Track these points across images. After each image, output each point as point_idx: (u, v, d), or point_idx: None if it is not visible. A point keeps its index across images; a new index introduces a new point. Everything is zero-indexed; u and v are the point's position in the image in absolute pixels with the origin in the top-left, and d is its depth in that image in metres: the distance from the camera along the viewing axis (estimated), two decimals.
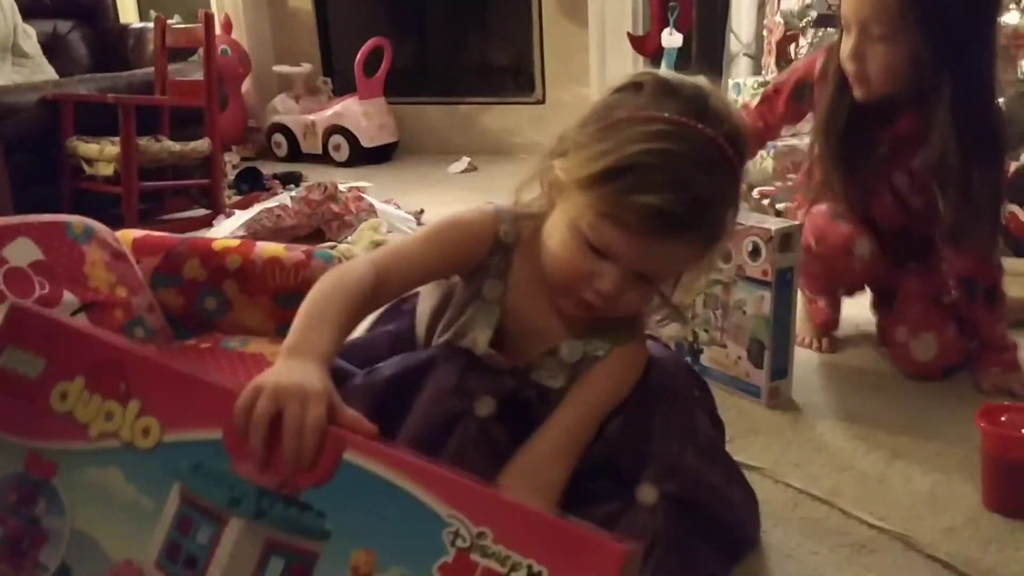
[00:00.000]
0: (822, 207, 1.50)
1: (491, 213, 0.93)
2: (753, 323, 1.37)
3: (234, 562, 0.60)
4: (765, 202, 2.56)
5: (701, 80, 0.85)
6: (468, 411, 0.87)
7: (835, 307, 1.64)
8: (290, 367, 0.67)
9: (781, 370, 1.40)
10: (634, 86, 0.84)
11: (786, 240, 1.33)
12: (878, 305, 1.58)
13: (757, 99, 1.59)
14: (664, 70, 0.87)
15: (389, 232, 2.33)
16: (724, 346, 1.43)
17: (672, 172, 0.78)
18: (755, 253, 1.34)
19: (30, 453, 0.65)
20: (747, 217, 1.36)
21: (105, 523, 0.63)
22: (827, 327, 1.63)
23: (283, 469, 0.60)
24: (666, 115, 0.80)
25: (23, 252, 1.20)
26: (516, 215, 0.93)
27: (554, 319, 0.93)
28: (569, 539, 0.54)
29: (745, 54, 3.09)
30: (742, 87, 2.84)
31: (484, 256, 0.92)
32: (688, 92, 0.82)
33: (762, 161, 2.65)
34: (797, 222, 1.42)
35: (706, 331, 1.46)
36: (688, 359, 1.45)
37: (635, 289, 0.86)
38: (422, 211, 2.66)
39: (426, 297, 1.00)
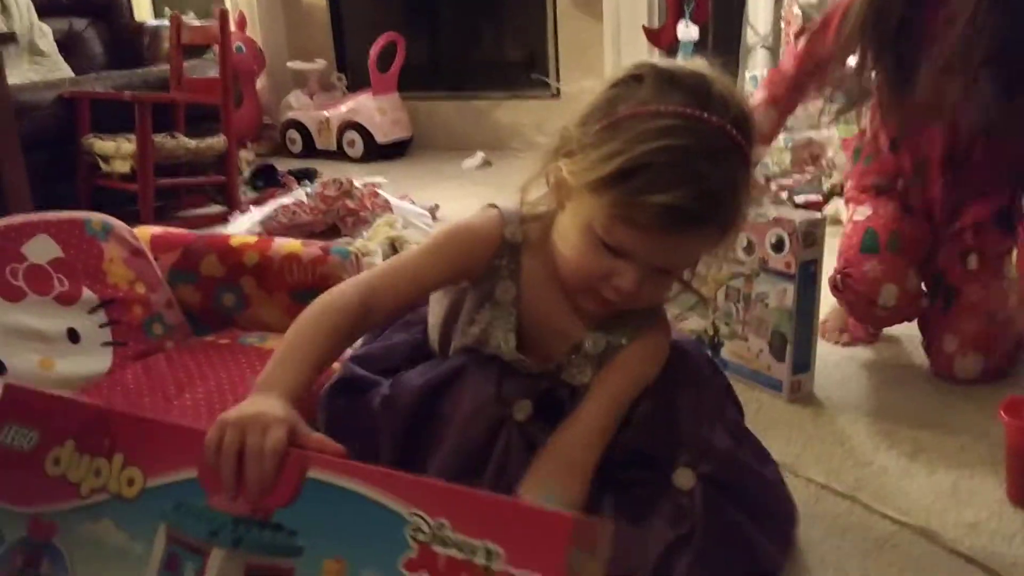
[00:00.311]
0: (864, 210, 1.47)
1: (495, 216, 0.92)
2: (775, 316, 1.35)
3: None
4: (783, 195, 2.54)
5: (701, 65, 0.83)
6: (508, 417, 0.88)
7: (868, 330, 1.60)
8: (254, 401, 0.70)
9: (803, 364, 1.37)
10: (633, 79, 0.82)
11: (810, 233, 1.30)
12: (930, 294, 1.47)
13: (803, 40, 1.54)
14: (662, 59, 0.85)
15: (405, 228, 2.33)
16: (745, 339, 1.41)
17: (682, 168, 0.77)
18: (779, 246, 1.32)
19: (32, 519, 0.70)
20: (770, 209, 1.35)
21: (103, 572, 0.67)
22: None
23: (250, 494, 0.64)
24: (670, 108, 0.78)
25: (43, 249, 1.21)
26: (522, 216, 0.92)
27: (572, 315, 0.93)
28: (519, 516, 0.57)
29: (762, 46, 3.06)
30: (759, 79, 2.83)
31: (490, 259, 0.92)
32: (690, 80, 0.81)
33: (779, 154, 2.64)
34: (821, 215, 1.39)
35: (727, 324, 1.44)
36: (708, 353, 1.43)
37: (654, 282, 0.86)
38: (437, 206, 2.66)
39: (435, 305, 1.00)
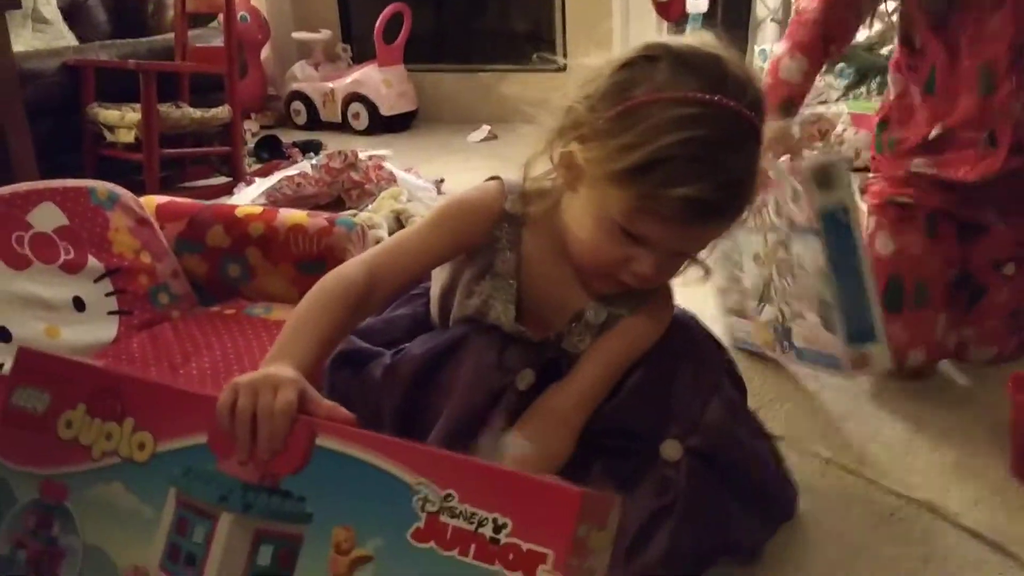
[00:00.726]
0: (886, 241, 1.37)
1: (495, 187, 0.92)
2: (816, 281, 1.15)
3: (228, 555, 0.64)
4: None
5: (714, 45, 0.81)
6: (510, 385, 0.89)
7: None
8: (264, 370, 0.71)
9: (861, 331, 1.12)
10: (646, 60, 0.81)
11: (824, 174, 1.11)
12: (956, 285, 1.38)
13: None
14: (671, 38, 0.83)
15: (409, 201, 2.32)
16: (803, 316, 1.22)
17: (704, 160, 0.76)
18: (796, 197, 1.15)
19: (44, 481, 0.71)
20: (781, 163, 1.20)
21: (112, 534, 0.68)
22: None
23: (262, 455, 0.64)
24: (688, 95, 0.77)
25: (48, 217, 1.20)
26: (524, 190, 0.91)
27: (573, 288, 0.93)
28: (528, 489, 0.57)
29: (772, 19, 3.03)
30: (768, 53, 2.80)
31: (490, 230, 0.91)
32: (705, 64, 0.79)
33: (788, 129, 2.62)
34: (838, 155, 1.27)
35: (787, 304, 1.25)
36: (784, 344, 1.28)
37: (671, 265, 0.87)
38: (442, 180, 2.65)
39: (435, 277, 1.00)
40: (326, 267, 1.27)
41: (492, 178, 0.94)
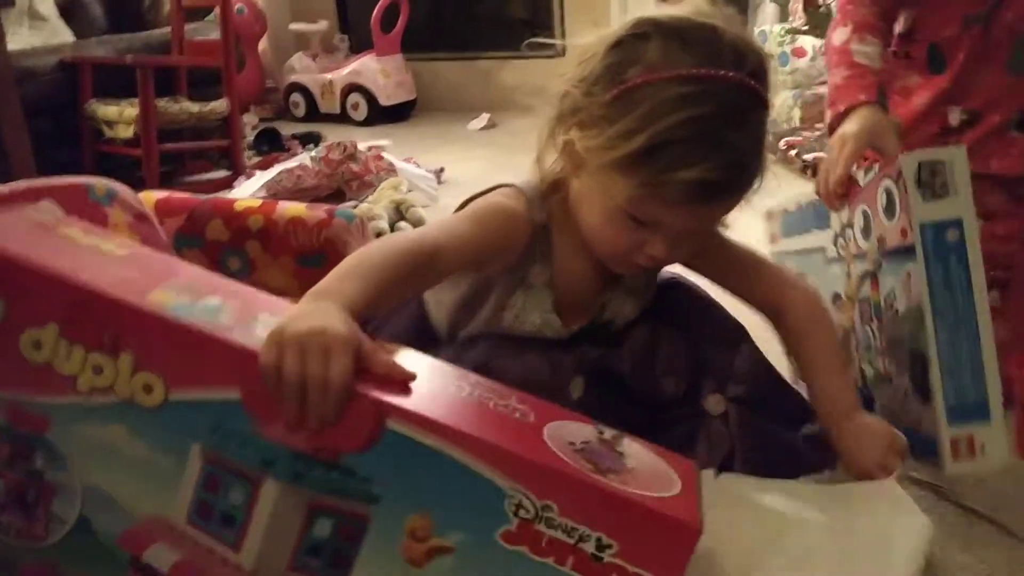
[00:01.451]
0: None
1: (517, 196, 0.88)
2: (907, 325, 0.86)
3: (276, 522, 0.58)
4: (792, 152, 2.51)
5: (706, 10, 0.78)
6: (563, 396, 0.85)
7: None
8: (310, 311, 0.61)
9: (970, 404, 0.82)
10: (637, 38, 0.78)
11: (932, 173, 0.84)
12: None
13: None
14: (662, 11, 0.79)
15: (410, 191, 2.32)
16: (890, 379, 0.94)
17: (708, 139, 0.74)
18: (889, 207, 0.87)
19: (11, 404, 0.62)
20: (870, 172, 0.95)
21: (118, 479, 0.61)
22: None
23: (312, 428, 0.57)
24: (684, 71, 0.74)
25: (47, 215, 1.20)
26: (543, 192, 0.88)
27: (605, 278, 0.91)
28: (643, 516, 0.54)
29: (772, 0, 3.01)
30: (768, 34, 2.78)
31: (527, 244, 0.88)
32: (699, 35, 0.76)
33: (789, 110, 2.60)
34: (953, 149, 0.87)
35: (869, 362, 0.97)
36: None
37: (686, 244, 0.84)
38: (442, 169, 2.64)
39: (448, 289, 0.94)
40: (326, 260, 1.28)
41: (504, 185, 0.89)
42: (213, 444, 0.58)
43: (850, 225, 0.99)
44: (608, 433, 0.64)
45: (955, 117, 1.12)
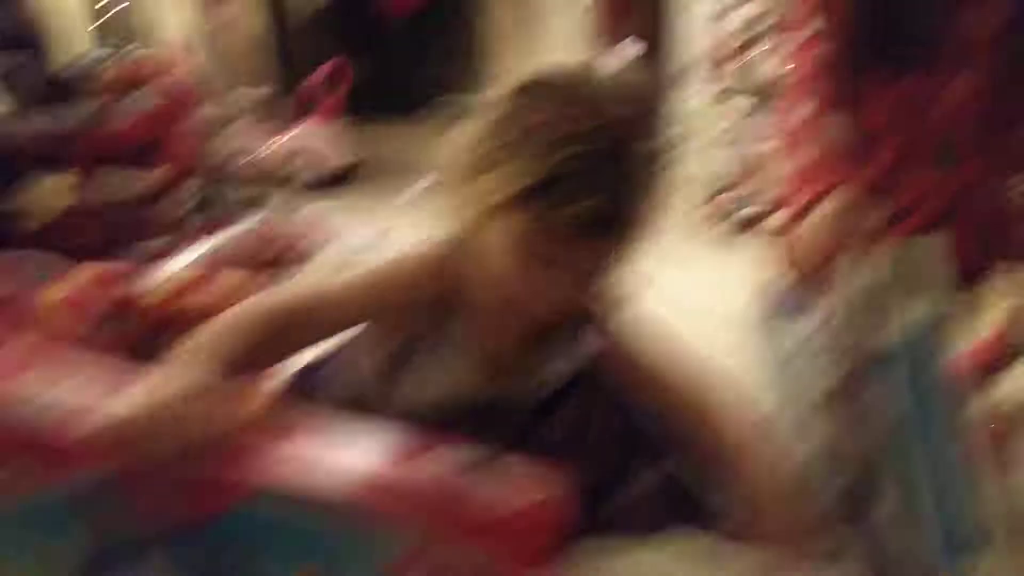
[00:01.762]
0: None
1: (433, 250, 0.91)
2: (891, 439, 0.76)
3: None
4: (731, 207, 2.56)
5: (586, 63, 0.85)
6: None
7: None
8: (175, 375, 0.64)
9: (958, 536, 0.72)
10: (519, 93, 0.83)
11: (913, 264, 0.76)
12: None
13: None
14: (543, 67, 0.86)
15: (355, 256, 2.31)
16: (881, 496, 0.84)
17: (589, 175, 0.78)
18: (870, 303, 0.79)
19: None
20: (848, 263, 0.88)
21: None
22: None
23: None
24: (564, 113, 0.79)
25: None
26: (457, 244, 0.90)
27: (524, 335, 0.92)
28: (497, 521, 0.56)
29: (700, 63, 3.11)
30: (698, 95, 2.86)
31: (435, 296, 0.90)
32: (574, 81, 0.83)
33: (725, 166, 2.67)
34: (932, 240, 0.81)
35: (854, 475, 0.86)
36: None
37: (586, 280, 0.86)
38: (387, 232, 2.64)
39: (365, 355, 0.95)
40: None
41: (423, 241, 0.92)
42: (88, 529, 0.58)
43: (831, 317, 0.91)
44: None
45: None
